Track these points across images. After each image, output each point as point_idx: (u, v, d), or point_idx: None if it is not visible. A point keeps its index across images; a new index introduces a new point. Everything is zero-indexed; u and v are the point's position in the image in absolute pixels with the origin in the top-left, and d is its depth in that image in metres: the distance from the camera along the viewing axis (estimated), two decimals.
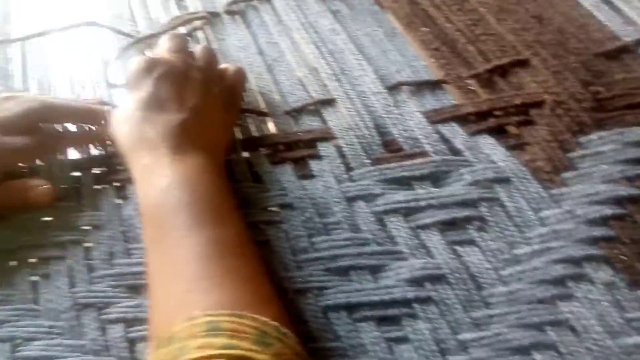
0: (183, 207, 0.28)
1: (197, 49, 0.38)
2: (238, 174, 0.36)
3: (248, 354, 0.21)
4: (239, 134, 0.39)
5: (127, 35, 0.46)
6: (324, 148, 0.37)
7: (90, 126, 0.38)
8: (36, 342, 0.31)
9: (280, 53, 0.43)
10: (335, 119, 0.38)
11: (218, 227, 0.28)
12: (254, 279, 0.27)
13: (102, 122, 0.37)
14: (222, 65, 0.39)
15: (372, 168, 0.35)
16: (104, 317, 0.32)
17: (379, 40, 0.42)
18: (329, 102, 0.39)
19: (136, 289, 0.33)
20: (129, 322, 0.32)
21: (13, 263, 0.35)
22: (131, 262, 0.34)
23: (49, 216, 0.36)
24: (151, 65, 0.33)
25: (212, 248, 0.26)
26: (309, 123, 0.39)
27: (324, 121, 0.38)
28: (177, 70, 0.33)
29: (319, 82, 0.40)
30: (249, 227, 0.33)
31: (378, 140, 0.36)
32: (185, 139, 0.31)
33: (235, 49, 0.44)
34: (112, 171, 0.38)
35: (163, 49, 0.36)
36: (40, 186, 0.35)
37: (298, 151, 0.37)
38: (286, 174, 0.36)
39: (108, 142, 0.38)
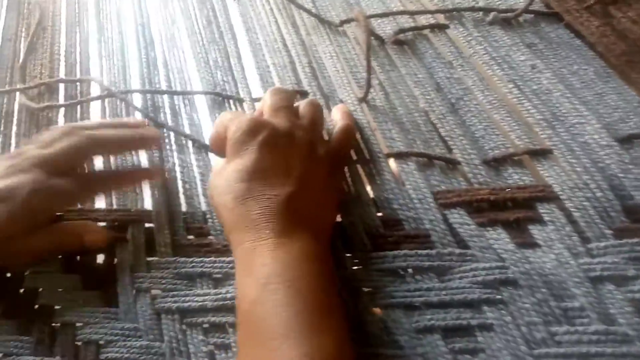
0: (279, 310, 0.24)
1: (302, 103, 0.34)
2: (437, 235, 0.31)
3: None
4: (429, 184, 0.34)
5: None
6: (546, 211, 0.31)
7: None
8: None
9: (467, 91, 0.38)
10: (556, 175, 0.32)
11: (315, 336, 0.24)
12: None
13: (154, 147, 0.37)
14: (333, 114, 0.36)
15: (617, 242, 0.29)
16: None
17: (590, 81, 0.36)
18: (543, 154, 0.33)
19: None
20: None
21: (182, 326, 0.31)
22: None
23: (217, 270, 0.33)
24: (255, 128, 0.30)
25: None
26: (517, 178, 0.33)
27: (537, 176, 0.33)
28: (283, 133, 0.30)
29: (524, 127, 0.35)
30: (458, 305, 0.29)
31: (617, 206, 0.30)
32: (291, 217, 0.28)
33: (406, 83, 0.40)
34: None
35: (267, 104, 0.33)
36: (95, 230, 0.34)
37: (511, 212, 0.31)
38: (501, 240, 0.30)
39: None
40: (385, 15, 0.44)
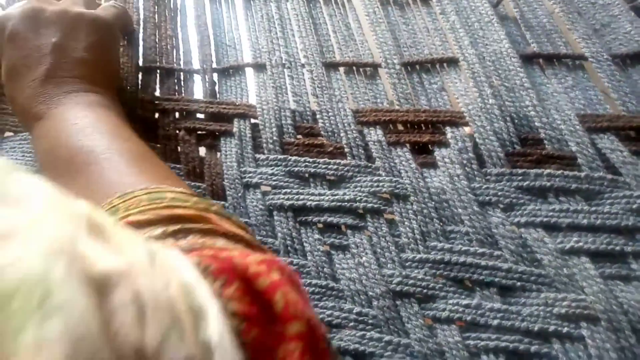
0: (81, 135, 0.27)
1: None
2: (584, 159, 0.30)
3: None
4: (574, 106, 0.32)
5: None
6: None
7: None
8: (346, 332, 0.26)
9: (613, 19, 0.36)
10: None
11: (124, 142, 0.27)
12: (174, 178, 0.27)
13: None
14: None
15: None
16: (428, 313, 0.27)
17: None
18: None
19: (464, 284, 0.27)
20: (467, 327, 0.26)
21: (296, 224, 0.30)
22: (453, 248, 0.28)
23: (332, 172, 0.31)
24: (0, 26, 0.32)
25: (125, 157, 0.26)
26: None
27: None
28: (28, 18, 0.31)
29: None
30: (610, 230, 0.28)
31: None
32: (56, 87, 0.30)
33: (544, 4, 0.38)
34: (408, 131, 0.33)
35: None
36: None
37: None
38: None
39: None
40: None
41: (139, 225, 0.19)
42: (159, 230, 0.18)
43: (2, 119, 0.35)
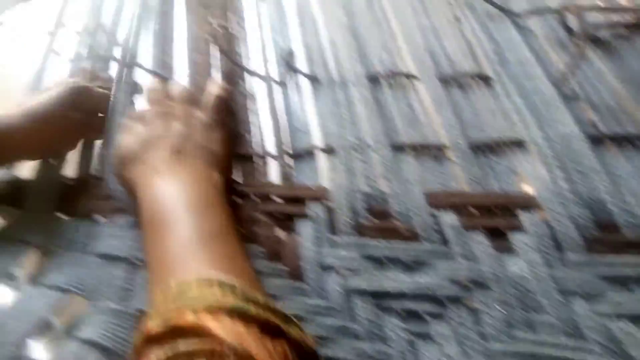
0: (173, 202, 0.32)
1: (173, 88, 0.42)
2: None
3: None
4: None
5: None
6: None
7: None
8: None
9: None
10: None
11: (203, 218, 0.31)
12: (238, 260, 0.30)
13: None
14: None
15: None
16: None
17: None
18: None
19: None
20: None
21: (375, 309, 0.31)
22: (539, 339, 0.28)
23: (408, 256, 0.32)
24: (139, 114, 0.39)
25: (199, 235, 0.30)
26: None
27: None
28: (159, 113, 0.38)
29: None
30: None
31: None
32: (175, 158, 0.35)
33: (605, 79, 0.39)
34: (481, 214, 0.34)
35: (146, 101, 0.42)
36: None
37: None
38: None
39: None
40: (596, 9, 0.43)
41: (152, 340, 0.23)
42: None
43: (97, 205, 0.38)
